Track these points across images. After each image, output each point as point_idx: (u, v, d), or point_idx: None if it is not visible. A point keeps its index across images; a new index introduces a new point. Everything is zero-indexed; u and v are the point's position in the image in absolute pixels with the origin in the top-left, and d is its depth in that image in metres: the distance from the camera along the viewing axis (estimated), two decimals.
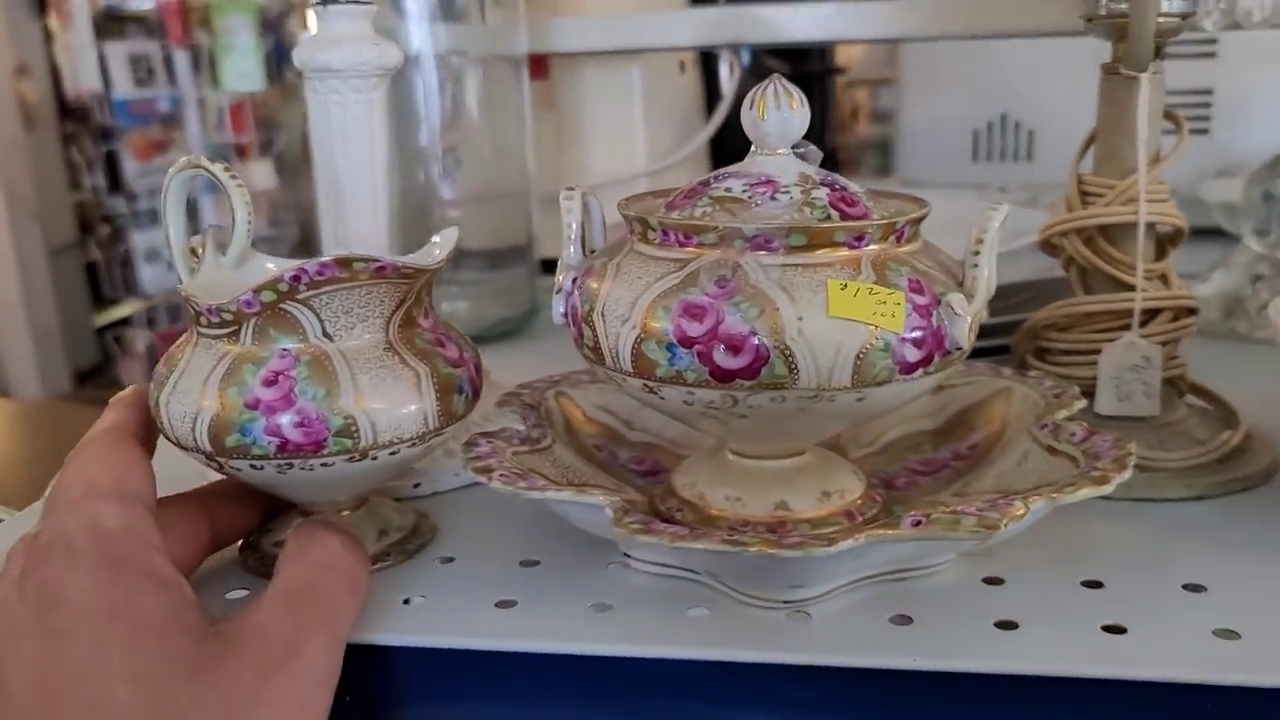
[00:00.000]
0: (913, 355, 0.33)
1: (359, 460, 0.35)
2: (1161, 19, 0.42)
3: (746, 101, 0.37)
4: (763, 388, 0.32)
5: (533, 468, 0.37)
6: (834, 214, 0.34)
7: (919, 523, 0.31)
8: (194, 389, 0.35)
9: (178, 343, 0.37)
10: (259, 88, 2.91)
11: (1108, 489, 0.33)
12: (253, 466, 0.35)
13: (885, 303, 0.33)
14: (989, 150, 0.91)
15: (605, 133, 0.77)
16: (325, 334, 0.35)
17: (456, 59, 0.66)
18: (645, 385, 0.34)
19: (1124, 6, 0.42)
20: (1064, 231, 0.44)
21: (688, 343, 0.32)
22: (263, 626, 0.30)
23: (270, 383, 0.34)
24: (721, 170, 0.37)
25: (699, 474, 0.39)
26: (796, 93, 0.36)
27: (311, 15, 0.46)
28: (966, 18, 0.72)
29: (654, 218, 0.35)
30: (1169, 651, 0.32)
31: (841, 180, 0.36)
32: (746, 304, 0.32)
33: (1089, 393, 0.44)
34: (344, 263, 0.34)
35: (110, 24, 2.99)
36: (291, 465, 0.35)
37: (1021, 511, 0.31)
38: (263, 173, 2.97)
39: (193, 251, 0.37)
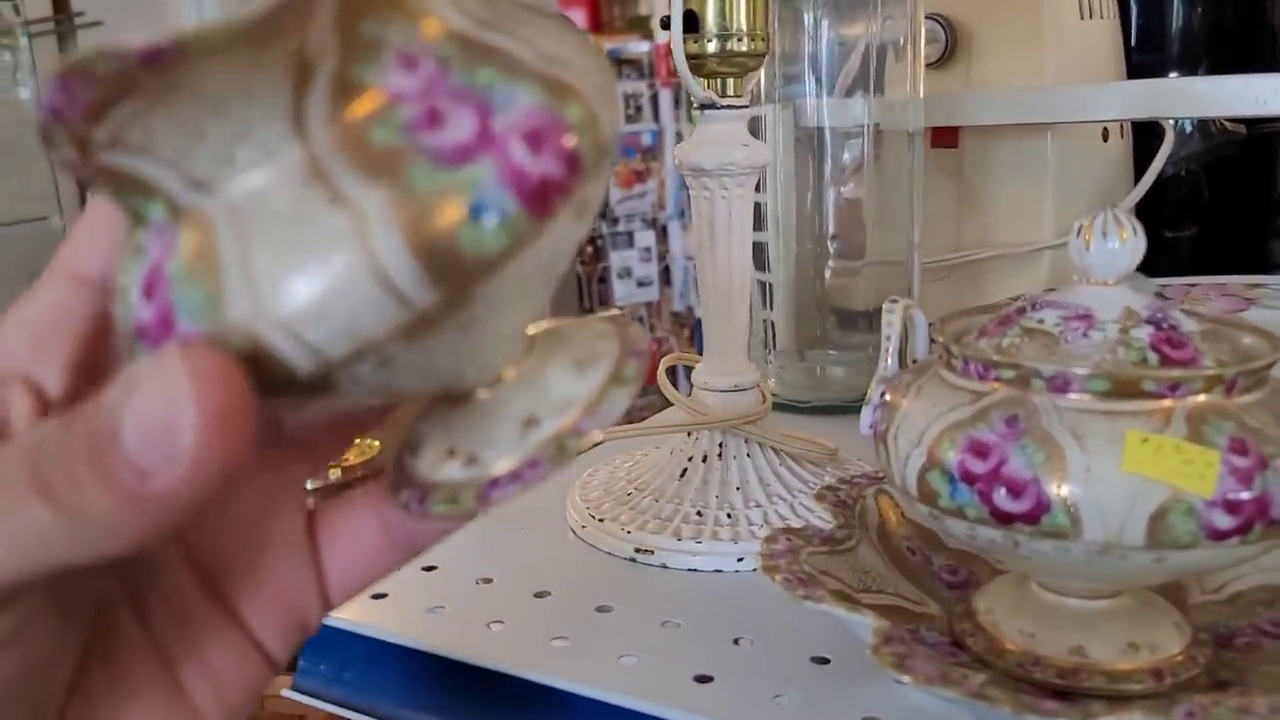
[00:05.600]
0: (1224, 522, 0.30)
1: None
2: None
3: (1074, 228, 0.35)
4: (1044, 535, 0.31)
5: (826, 569, 0.38)
6: (1152, 357, 0.32)
7: (1192, 714, 0.28)
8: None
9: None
10: None
11: None
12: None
13: (1193, 462, 0.30)
14: None
15: (1009, 203, 0.75)
16: None
17: (857, 131, 0.67)
18: (930, 512, 0.34)
19: None
20: None
21: (970, 479, 0.32)
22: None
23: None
24: (1042, 296, 0.36)
25: (998, 600, 0.38)
26: (1129, 224, 0.34)
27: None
28: None
29: (956, 347, 0.35)
30: None
31: (1175, 317, 0.34)
32: (1033, 447, 0.31)
33: None
34: None
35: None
36: None
37: None
38: None
39: None
